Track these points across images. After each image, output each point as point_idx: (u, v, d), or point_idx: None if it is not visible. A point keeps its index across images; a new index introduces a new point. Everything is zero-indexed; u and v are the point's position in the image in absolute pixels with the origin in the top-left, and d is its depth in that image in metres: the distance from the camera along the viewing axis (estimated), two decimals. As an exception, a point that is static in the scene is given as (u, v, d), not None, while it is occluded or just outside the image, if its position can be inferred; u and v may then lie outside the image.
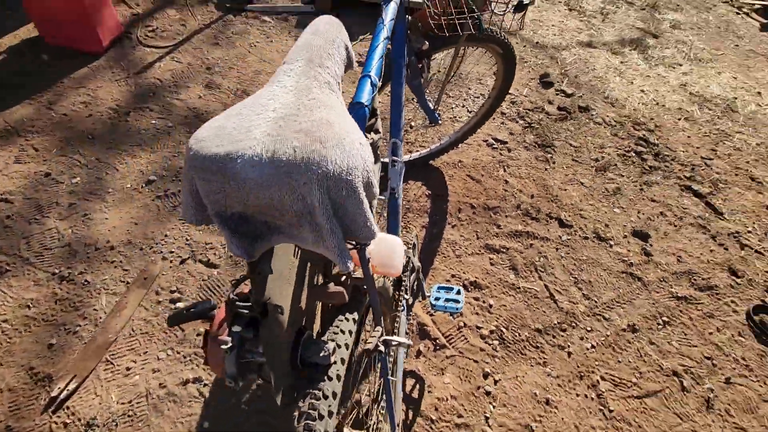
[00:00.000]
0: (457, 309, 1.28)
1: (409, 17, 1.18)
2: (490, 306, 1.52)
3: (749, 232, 1.96)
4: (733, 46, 3.44)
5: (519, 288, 1.58)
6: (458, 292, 1.33)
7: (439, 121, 1.57)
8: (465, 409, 1.28)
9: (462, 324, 1.46)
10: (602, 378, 1.40)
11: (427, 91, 1.48)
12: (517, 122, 2.26)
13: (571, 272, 1.66)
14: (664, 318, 1.59)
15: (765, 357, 1.54)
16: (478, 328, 1.46)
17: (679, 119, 2.53)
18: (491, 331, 1.45)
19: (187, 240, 1.53)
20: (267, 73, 2.23)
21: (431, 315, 1.46)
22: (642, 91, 2.69)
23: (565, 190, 1.97)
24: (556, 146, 2.17)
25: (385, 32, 0.90)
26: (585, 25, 3.22)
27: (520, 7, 0.96)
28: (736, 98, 2.80)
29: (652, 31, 3.34)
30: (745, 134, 2.52)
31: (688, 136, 2.42)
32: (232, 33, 2.45)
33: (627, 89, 2.67)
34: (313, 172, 0.39)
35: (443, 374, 1.34)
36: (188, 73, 2.17)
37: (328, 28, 0.60)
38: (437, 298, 1.31)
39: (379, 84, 0.90)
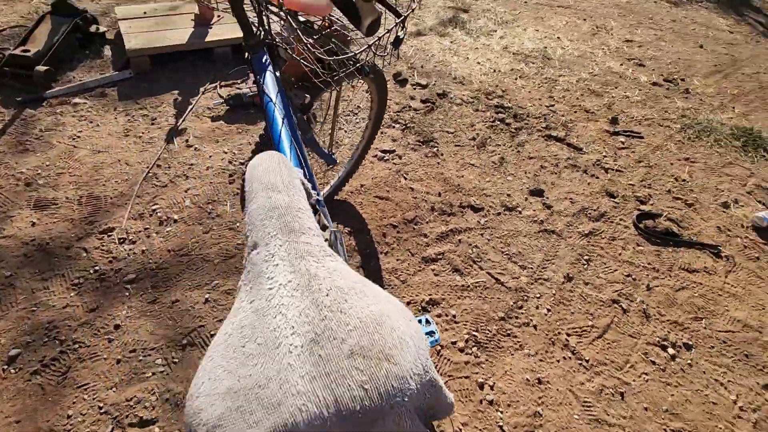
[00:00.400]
0: (436, 341, 1.24)
1: (278, 74, 1.07)
2: (454, 316, 1.53)
3: (605, 156, 2.33)
4: (524, 3, 4.01)
5: (469, 286, 1.63)
6: (427, 321, 1.30)
7: (337, 161, 1.50)
8: (480, 429, 1.27)
9: (439, 347, 1.44)
10: (568, 335, 1.52)
11: (316, 134, 1.39)
12: (394, 128, 2.30)
13: (502, 251, 1.77)
14: (585, 257, 1.79)
15: (660, 254, 1.85)
16: (454, 343, 1.46)
17: (516, 79, 2.86)
18: (466, 341, 1.46)
19: (101, 408, 1.21)
20: (109, 165, 1.87)
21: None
22: (478, 63, 2.97)
23: (462, 176, 2.08)
24: (437, 138, 2.27)
25: (280, 113, 0.79)
26: (407, 16, 3.41)
27: (398, 43, 0.93)
28: (546, 47, 3.27)
29: (462, 7, 3.70)
30: (565, 75, 2.97)
31: (529, 91, 2.76)
32: (41, 130, 1.99)
33: (467, 65, 2.92)
34: (399, 404, 0.30)
35: (445, 406, 1.31)
36: (1, 199, 1.70)
37: (276, 171, 0.48)
38: (413, 339, 1.26)
39: (305, 173, 0.79)
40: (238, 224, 1.72)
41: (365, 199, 1.90)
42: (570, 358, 1.46)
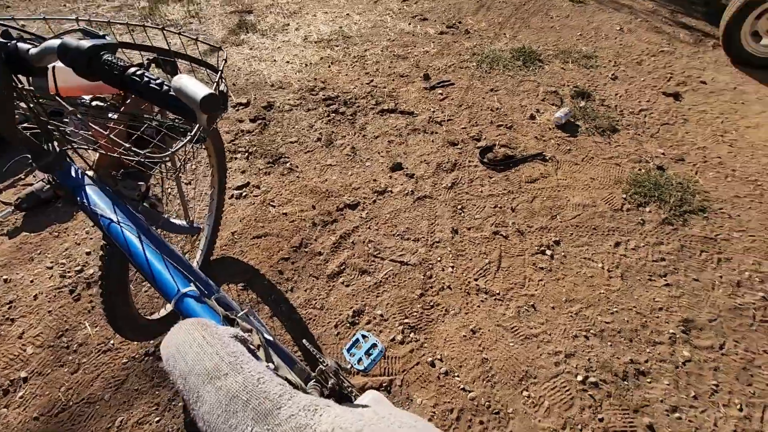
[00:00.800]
0: (381, 351, 1.26)
1: (92, 172, 0.89)
2: (382, 315, 1.57)
3: (433, 112, 2.56)
4: (302, -11, 4.01)
5: (380, 281, 1.67)
6: (364, 336, 1.31)
7: (201, 227, 1.34)
8: (450, 401, 1.36)
9: (384, 352, 1.47)
10: (476, 280, 1.70)
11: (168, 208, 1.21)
12: (237, 158, 2.14)
13: (393, 234, 1.85)
14: (458, 207, 1.99)
15: (508, 177, 2.15)
16: (393, 340, 1.50)
17: (329, 66, 2.90)
18: (402, 331, 1.52)
19: None
20: None
21: (365, 375, 1.41)
22: (287, 62, 2.91)
23: (326, 180, 2.07)
24: (285, 152, 2.20)
25: (130, 229, 0.65)
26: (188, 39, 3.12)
27: (224, 98, 0.85)
28: (341, 27, 3.36)
29: (244, 9, 3.53)
30: (370, 48, 3.12)
31: (346, 74, 2.83)
32: None
33: (278, 68, 2.84)
34: None
35: (412, 400, 1.37)
36: None
37: (207, 351, 0.39)
38: (359, 360, 1.26)
39: (198, 289, 0.68)
40: (111, 341, 1.44)
41: (243, 244, 1.76)
42: (486, 299, 1.64)
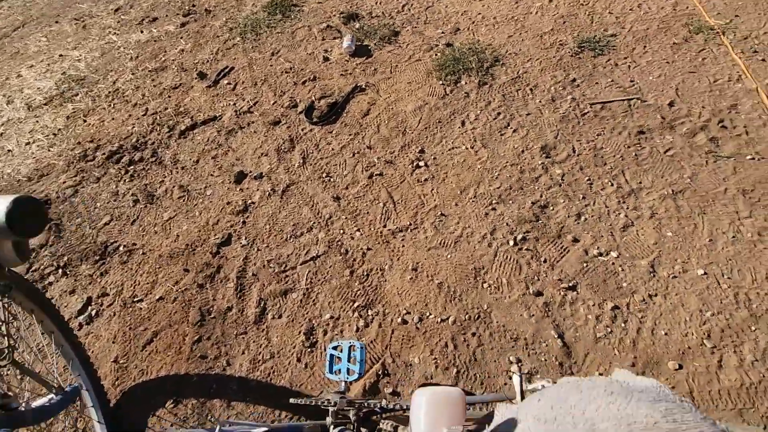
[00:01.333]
0: (362, 348, 1.17)
1: None
2: (332, 317, 1.45)
3: (234, 104, 2.30)
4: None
5: (307, 289, 1.53)
6: (335, 348, 1.20)
7: (75, 385, 0.99)
8: (439, 338, 1.37)
9: (364, 347, 1.38)
10: (384, 227, 1.68)
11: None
12: (52, 282, 1.64)
13: (285, 240, 1.68)
14: (324, 175, 1.89)
15: (344, 122, 2.11)
16: (358, 329, 1.42)
17: (84, 119, 2.34)
18: (360, 316, 1.44)
19: None
20: None
21: (360, 380, 1.30)
22: (28, 143, 2.26)
23: (177, 235, 1.74)
24: (106, 239, 1.76)
25: None
26: None
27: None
28: (65, 73, 2.71)
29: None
30: (118, 78, 2.59)
31: (112, 118, 2.33)
32: None
33: (22, 156, 2.19)
34: None
35: (412, 364, 1.34)
36: None
37: None
38: (348, 371, 1.16)
39: None
40: None
41: (138, 361, 1.41)
42: (404, 235, 1.64)
